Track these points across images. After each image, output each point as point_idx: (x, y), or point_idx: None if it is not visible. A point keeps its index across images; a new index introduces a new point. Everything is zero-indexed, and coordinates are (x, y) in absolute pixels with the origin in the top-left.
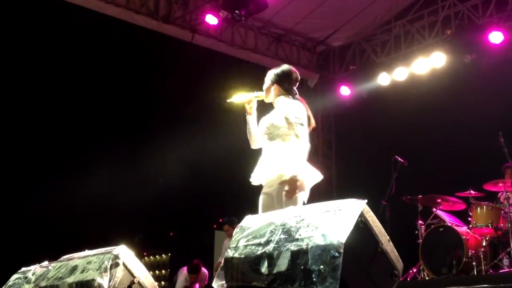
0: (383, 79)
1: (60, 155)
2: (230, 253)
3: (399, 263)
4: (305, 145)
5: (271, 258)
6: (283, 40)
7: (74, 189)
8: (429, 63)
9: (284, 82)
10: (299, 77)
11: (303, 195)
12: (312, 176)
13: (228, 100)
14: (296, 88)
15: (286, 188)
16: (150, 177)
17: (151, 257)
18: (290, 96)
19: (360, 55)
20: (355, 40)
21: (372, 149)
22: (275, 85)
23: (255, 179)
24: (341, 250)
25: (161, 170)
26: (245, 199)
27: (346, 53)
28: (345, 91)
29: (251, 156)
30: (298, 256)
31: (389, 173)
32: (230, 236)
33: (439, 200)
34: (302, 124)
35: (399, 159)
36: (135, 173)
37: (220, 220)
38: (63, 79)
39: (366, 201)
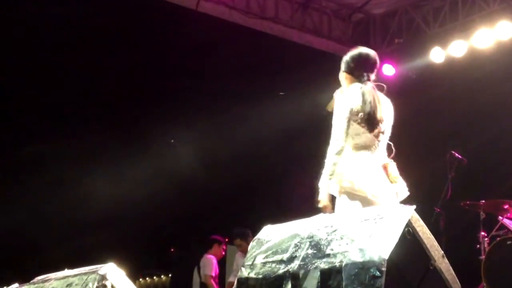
0: (436, 55)
1: (36, 153)
2: (245, 272)
3: (456, 285)
4: (337, 146)
5: (296, 279)
6: (310, 7)
7: (50, 194)
8: (493, 34)
9: (354, 69)
10: (373, 59)
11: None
12: (353, 186)
13: (328, 108)
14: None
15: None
16: (146, 179)
17: (147, 278)
18: (360, 84)
19: (407, 25)
20: (401, 6)
21: (423, 143)
22: (343, 73)
23: None
24: (384, 269)
25: (159, 170)
26: (262, 208)
27: (389, 23)
28: (388, 70)
29: (268, 157)
30: (329, 276)
31: (444, 172)
32: (243, 251)
33: (506, 207)
34: (338, 120)
35: (457, 155)
36: (128, 173)
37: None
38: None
39: (414, 207)
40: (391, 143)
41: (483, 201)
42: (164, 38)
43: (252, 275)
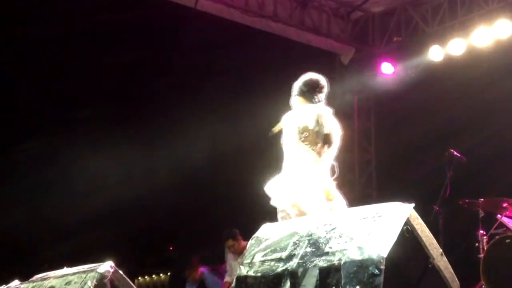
0: (435, 53)
1: (34, 152)
2: (243, 270)
3: (454, 283)
4: (285, 164)
5: (295, 277)
6: (309, 5)
7: (49, 192)
8: (492, 33)
9: (305, 92)
10: (322, 83)
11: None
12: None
13: (273, 131)
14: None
15: None
16: (145, 177)
17: (146, 277)
18: (313, 105)
19: (406, 23)
20: (400, 4)
21: (421, 141)
22: (296, 97)
23: None
24: (382, 267)
25: (157, 168)
26: (261, 206)
27: (388, 21)
28: (387, 68)
29: (268, 154)
30: (328, 274)
31: (442, 171)
32: (235, 252)
33: (505, 205)
34: (288, 139)
35: (455, 153)
36: (127, 171)
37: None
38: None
39: (413, 205)
40: (335, 164)
41: (482, 200)
42: (162, 35)
43: (251, 273)
